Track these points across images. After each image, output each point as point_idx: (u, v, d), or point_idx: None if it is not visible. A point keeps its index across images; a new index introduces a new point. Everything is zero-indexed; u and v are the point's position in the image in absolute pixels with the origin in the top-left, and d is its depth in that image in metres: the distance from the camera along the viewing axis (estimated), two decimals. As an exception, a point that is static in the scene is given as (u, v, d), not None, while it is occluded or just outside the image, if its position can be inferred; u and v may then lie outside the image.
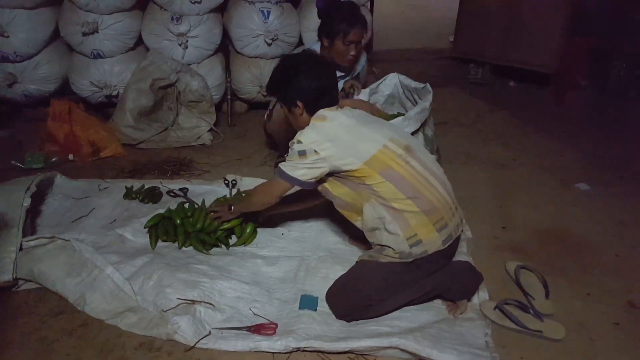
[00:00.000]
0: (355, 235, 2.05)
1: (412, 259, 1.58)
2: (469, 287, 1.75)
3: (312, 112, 1.71)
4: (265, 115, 2.62)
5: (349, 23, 2.26)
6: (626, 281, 1.93)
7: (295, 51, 2.57)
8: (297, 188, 1.75)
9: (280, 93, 1.79)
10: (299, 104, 1.71)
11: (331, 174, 1.67)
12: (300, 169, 1.65)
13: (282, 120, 2.42)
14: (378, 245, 1.65)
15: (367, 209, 1.63)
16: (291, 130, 2.54)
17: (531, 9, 3.90)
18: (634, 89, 3.90)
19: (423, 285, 1.67)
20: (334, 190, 1.71)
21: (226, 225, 2.04)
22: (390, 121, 2.14)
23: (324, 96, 1.71)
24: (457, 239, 1.69)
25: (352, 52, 2.33)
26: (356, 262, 1.73)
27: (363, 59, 2.59)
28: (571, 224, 2.31)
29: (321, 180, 1.71)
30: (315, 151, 1.61)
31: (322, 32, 2.36)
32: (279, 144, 2.70)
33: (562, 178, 2.72)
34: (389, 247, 1.60)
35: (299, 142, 1.64)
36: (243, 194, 2.16)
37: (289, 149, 1.68)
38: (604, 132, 3.37)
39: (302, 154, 1.63)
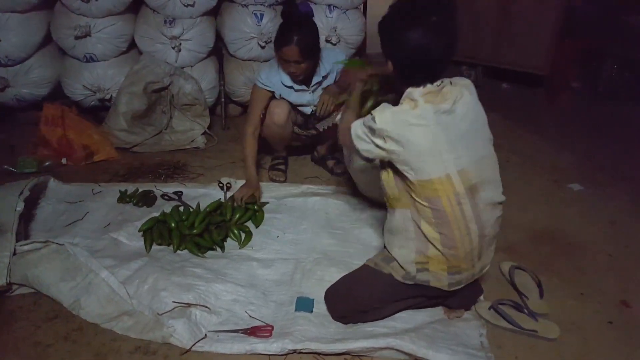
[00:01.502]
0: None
1: (413, 283, 1.54)
2: (468, 299, 1.74)
3: (405, 80, 1.45)
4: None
5: (282, 41, 2.22)
6: (619, 281, 1.95)
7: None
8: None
9: (381, 38, 1.47)
10: (389, 63, 1.46)
11: (389, 164, 1.50)
12: (363, 142, 1.48)
13: (274, 123, 2.43)
14: (388, 253, 1.60)
15: (399, 213, 1.52)
16: (286, 136, 2.56)
17: (523, 11, 3.93)
18: (625, 90, 3.95)
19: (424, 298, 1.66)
20: (384, 177, 1.53)
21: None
22: None
23: (426, 67, 1.41)
24: (468, 284, 1.59)
25: (290, 69, 2.29)
26: (362, 265, 1.69)
27: (340, 57, 2.53)
28: (564, 224, 2.33)
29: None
30: (383, 138, 1.41)
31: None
32: (274, 147, 2.71)
33: (555, 179, 2.74)
34: (397, 261, 1.55)
35: (374, 117, 1.42)
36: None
37: (368, 115, 1.47)
38: (596, 133, 3.40)
39: (371, 131, 1.43)
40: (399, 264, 1.55)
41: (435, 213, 1.43)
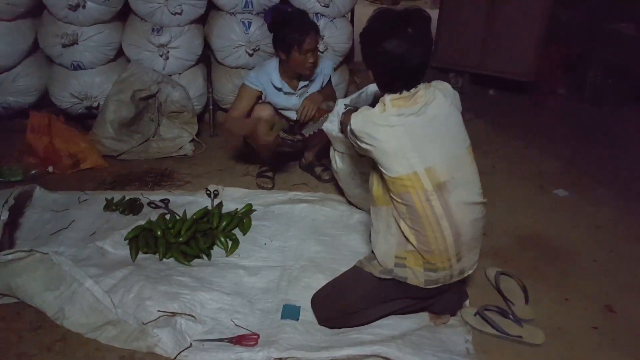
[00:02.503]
0: None
1: (390, 277, 1.56)
2: (453, 305, 1.76)
3: (384, 87, 1.55)
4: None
5: (301, 33, 2.27)
6: (604, 286, 1.97)
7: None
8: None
9: (362, 50, 1.56)
10: (370, 72, 1.56)
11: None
12: (359, 142, 1.54)
13: (263, 132, 2.44)
14: (372, 254, 1.63)
15: (383, 211, 1.58)
16: (270, 140, 2.56)
17: (508, 19, 3.99)
18: (609, 96, 4.01)
19: (408, 301, 1.67)
20: (371, 174, 1.63)
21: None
22: None
23: (403, 76, 1.49)
24: (446, 287, 1.60)
25: (310, 60, 2.35)
26: (351, 267, 1.71)
27: (328, 68, 2.58)
28: (550, 229, 2.35)
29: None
30: (359, 139, 1.52)
31: (277, 46, 2.38)
32: (259, 153, 2.70)
33: (541, 184, 2.77)
34: (377, 258, 1.59)
35: (351, 122, 1.53)
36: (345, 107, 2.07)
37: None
38: (581, 138, 3.45)
39: (352, 133, 1.55)
40: (378, 260, 1.58)
41: (408, 209, 1.50)
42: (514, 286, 1.90)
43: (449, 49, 4.41)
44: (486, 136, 3.40)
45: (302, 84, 2.48)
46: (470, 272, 1.64)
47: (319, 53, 2.53)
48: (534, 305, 1.82)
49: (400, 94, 1.50)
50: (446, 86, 1.58)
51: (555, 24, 3.98)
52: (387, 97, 1.51)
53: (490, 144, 3.27)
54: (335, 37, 3.29)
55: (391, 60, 1.47)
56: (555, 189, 2.72)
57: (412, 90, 1.51)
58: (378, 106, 1.52)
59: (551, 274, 2.04)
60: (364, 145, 1.52)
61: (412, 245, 1.52)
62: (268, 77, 2.43)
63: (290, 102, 2.50)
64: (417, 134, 1.48)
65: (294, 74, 2.46)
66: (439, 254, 1.51)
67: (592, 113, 3.91)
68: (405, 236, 1.53)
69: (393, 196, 1.52)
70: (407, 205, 1.49)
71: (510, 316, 1.73)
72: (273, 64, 2.48)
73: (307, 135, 2.54)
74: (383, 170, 1.50)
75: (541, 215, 2.47)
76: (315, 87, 2.54)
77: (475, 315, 1.74)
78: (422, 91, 1.51)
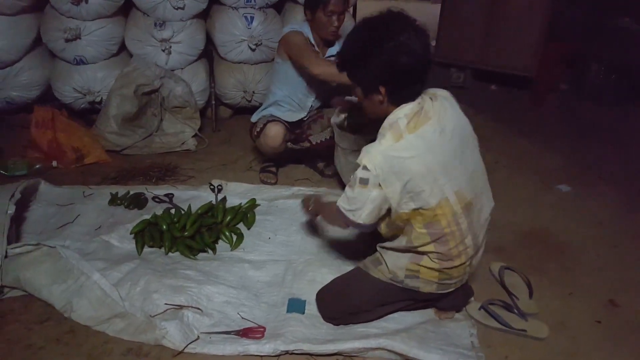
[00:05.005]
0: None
1: (402, 286, 1.56)
2: (459, 301, 1.76)
3: (396, 101, 1.38)
4: (250, 129, 2.64)
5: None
6: (608, 280, 1.98)
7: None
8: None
9: (355, 71, 1.41)
10: (382, 89, 1.36)
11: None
12: (364, 207, 1.40)
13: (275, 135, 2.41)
14: (379, 255, 1.60)
15: (396, 237, 1.51)
16: (279, 152, 2.52)
17: (510, 14, 3.99)
18: (611, 92, 4.02)
19: (414, 301, 1.67)
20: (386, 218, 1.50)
21: None
22: None
23: (413, 80, 1.36)
24: (457, 288, 1.60)
25: (335, 24, 2.31)
26: (354, 267, 1.71)
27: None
28: (553, 224, 2.36)
29: None
30: (380, 185, 1.35)
31: (305, 5, 2.36)
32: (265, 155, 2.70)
33: (543, 180, 2.78)
34: (386, 264, 1.55)
35: (365, 168, 1.35)
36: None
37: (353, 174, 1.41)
38: (583, 135, 3.46)
39: (363, 182, 1.36)
40: (388, 267, 1.55)
41: (433, 236, 1.44)
42: (518, 281, 1.91)
43: (450, 44, 4.42)
44: (488, 131, 3.41)
45: (330, 51, 2.44)
46: (473, 270, 1.65)
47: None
48: (538, 300, 1.83)
49: (407, 107, 1.38)
50: (447, 94, 1.51)
51: (558, 19, 3.98)
52: (399, 123, 1.36)
53: (492, 139, 3.28)
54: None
55: (396, 64, 1.32)
56: (557, 185, 2.73)
57: (417, 101, 1.40)
58: (388, 135, 1.36)
59: (555, 268, 2.05)
60: (388, 191, 1.34)
61: (432, 260, 1.47)
62: (304, 32, 2.39)
63: None
64: (444, 155, 1.38)
65: (320, 39, 2.42)
66: (459, 266, 1.50)
67: (593, 109, 3.92)
68: (423, 252, 1.47)
69: (416, 226, 1.42)
70: (433, 234, 1.42)
71: (515, 310, 1.74)
72: (305, 24, 2.44)
73: (314, 142, 2.53)
74: (409, 204, 1.37)
75: (544, 210, 2.48)
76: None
77: (479, 309, 1.75)
78: (428, 102, 1.41)
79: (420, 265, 1.50)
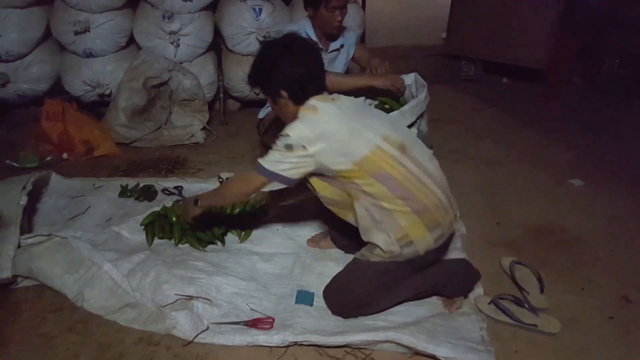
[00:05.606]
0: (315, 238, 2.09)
1: (403, 259, 1.57)
2: (466, 285, 1.76)
3: (299, 101, 1.60)
4: (257, 124, 2.62)
5: None
6: (620, 276, 1.95)
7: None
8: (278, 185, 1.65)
9: (262, 83, 1.68)
10: (283, 93, 1.59)
11: (316, 173, 1.59)
12: (283, 163, 1.55)
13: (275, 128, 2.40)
14: (369, 243, 1.63)
15: (358, 207, 1.58)
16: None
17: (523, 5, 3.92)
18: (626, 85, 3.94)
19: (419, 284, 1.68)
20: (321, 191, 1.63)
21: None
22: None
23: (310, 83, 1.59)
24: (452, 235, 1.67)
25: (338, 18, 2.28)
26: (352, 259, 1.71)
27: (352, 37, 2.52)
28: (565, 219, 2.33)
29: (304, 179, 1.62)
30: (304, 147, 1.51)
31: (306, 2, 2.33)
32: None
33: (555, 174, 2.74)
34: (379, 247, 1.58)
35: (287, 135, 1.53)
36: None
37: (276, 141, 1.57)
38: (596, 128, 3.40)
39: (288, 147, 1.52)
40: (382, 249, 1.58)
41: (386, 184, 1.52)
42: (529, 275, 1.89)
43: (461, 37, 4.36)
44: (498, 125, 3.37)
45: (333, 45, 2.42)
46: (458, 213, 1.70)
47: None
48: (550, 295, 1.81)
49: (315, 97, 1.60)
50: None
51: (571, 10, 3.90)
52: (311, 102, 1.59)
53: (503, 133, 3.24)
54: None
55: (290, 75, 1.58)
56: (570, 179, 2.69)
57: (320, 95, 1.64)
58: (306, 114, 1.57)
59: (567, 263, 2.02)
60: (313, 149, 1.51)
61: (406, 215, 1.53)
62: (304, 30, 2.36)
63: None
64: (355, 112, 1.60)
65: (323, 33, 2.40)
66: (435, 207, 1.56)
67: (607, 102, 3.85)
68: (394, 213, 1.53)
69: (361, 184, 1.53)
70: (385, 182, 1.52)
71: (525, 305, 1.73)
72: (306, 21, 2.41)
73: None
74: (344, 163, 1.51)
75: (556, 205, 2.45)
76: (342, 57, 2.49)
77: (489, 303, 1.73)
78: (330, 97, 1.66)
79: (403, 227, 1.54)
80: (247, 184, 1.69)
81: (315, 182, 1.63)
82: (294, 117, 1.59)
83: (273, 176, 1.58)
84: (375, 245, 1.59)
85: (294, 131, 1.53)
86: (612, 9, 3.99)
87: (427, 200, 1.54)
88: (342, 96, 1.68)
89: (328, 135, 1.52)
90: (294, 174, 1.57)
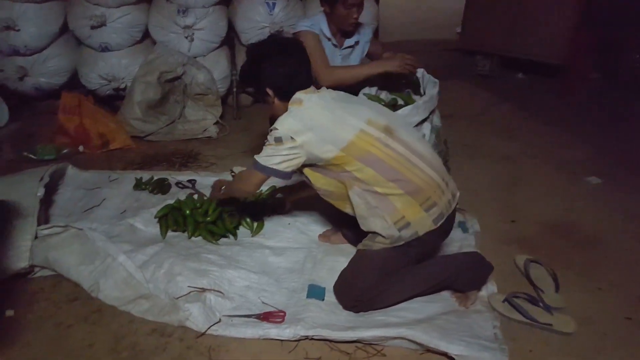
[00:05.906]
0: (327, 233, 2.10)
1: (403, 242, 1.58)
2: (479, 277, 1.74)
3: (285, 97, 1.66)
4: (269, 119, 2.61)
5: None
6: (638, 276, 1.91)
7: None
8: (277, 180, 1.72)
9: (250, 85, 1.76)
10: (269, 91, 1.67)
11: (309, 164, 1.63)
12: (275, 157, 1.59)
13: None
14: (369, 232, 1.65)
15: (352, 195, 1.60)
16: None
17: (540, 0, 3.86)
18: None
19: (430, 275, 1.67)
20: (316, 182, 1.67)
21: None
22: (398, 111, 2.10)
23: (294, 80, 1.65)
24: (452, 215, 1.66)
25: (355, 15, 2.26)
26: (356, 252, 1.72)
27: (368, 34, 2.49)
28: (581, 217, 2.29)
29: (299, 171, 1.67)
30: (292, 138, 1.56)
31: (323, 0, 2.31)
32: None
33: (571, 171, 2.70)
34: (379, 233, 1.60)
35: (275, 129, 1.59)
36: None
37: (267, 137, 1.63)
38: (614, 125, 3.34)
39: (278, 140, 1.58)
40: (382, 235, 1.59)
41: (375, 167, 1.55)
42: (544, 274, 1.86)
43: (476, 31, 4.32)
44: (514, 121, 3.33)
45: (347, 42, 2.40)
46: (458, 193, 1.71)
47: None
48: (565, 294, 1.78)
49: (301, 91, 1.65)
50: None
51: (590, 4, 3.82)
52: (297, 96, 1.64)
53: (518, 129, 3.20)
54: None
55: (289, 73, 1.65)
56: (586, 176, 2.64)
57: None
58: (293, 107, 1.62)
59: (583, 262, 1.99)
60: (301, 140, 1.55)
61: (399, 197, 1.55)
62: (319, 26, 2.34)
63: (336, 58, 2.41)
64: (339, 101, 1.65)
65: (338, 29, 2.37)
66: (428, 186, 1.57)
67: (626, 99, 3.76)
68: (387, 196, 1.56)
69: (352, 171, 1.56)
70: (373, 165, 1.54)
71: (540, 304, 1.70)
72: (321, 16, 2.38)
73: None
74: (332, 150, 1.55)
75: (572, 202, 2.41)
76: (356, 54, 2.47)
77: (503, 302, 1.71)
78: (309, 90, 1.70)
79: (399, 210, 1.56)
80: (248, 180, 1.75)
81: (309, 173, 1.67)
82: (282, 112, 1.65)
83: (268, 171, 1.63)
84: (376, 234, 1.61)
85: (282, 124, 1.59)
86: (632, 3, 3.89)
87: (419, 180, 1.56)
88: (327, 89, 1.75)
89: (313, 124, 1.58)
90: (287, 166, 1.61)
